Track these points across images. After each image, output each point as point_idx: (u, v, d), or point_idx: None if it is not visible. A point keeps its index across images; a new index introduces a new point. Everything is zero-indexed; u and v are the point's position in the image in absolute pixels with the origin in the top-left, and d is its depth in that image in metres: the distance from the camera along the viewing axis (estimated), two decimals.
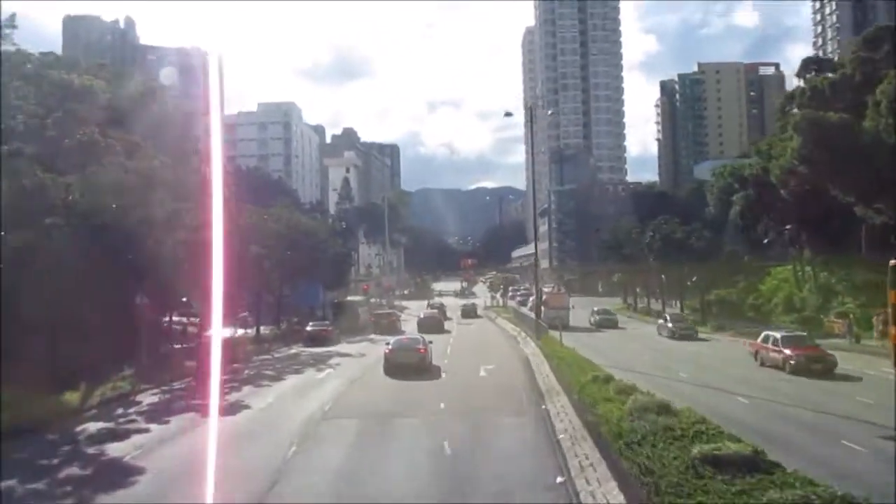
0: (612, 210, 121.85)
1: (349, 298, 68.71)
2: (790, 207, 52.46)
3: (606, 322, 57.46)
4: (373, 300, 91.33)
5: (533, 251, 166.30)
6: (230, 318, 57.50)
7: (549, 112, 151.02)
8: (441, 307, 75.78)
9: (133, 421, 21.13)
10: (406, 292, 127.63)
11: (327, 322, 55.64)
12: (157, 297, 33.83)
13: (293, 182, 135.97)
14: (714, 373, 31.17)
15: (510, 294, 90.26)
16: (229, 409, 22.20)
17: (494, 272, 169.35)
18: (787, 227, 54.05)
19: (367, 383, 28.61)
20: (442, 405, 22.32)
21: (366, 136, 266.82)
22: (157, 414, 21.95)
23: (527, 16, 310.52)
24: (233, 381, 28.89)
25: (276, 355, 42.20)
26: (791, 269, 61.49)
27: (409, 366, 30.24)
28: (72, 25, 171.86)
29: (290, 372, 33.03)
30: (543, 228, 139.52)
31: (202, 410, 22.15)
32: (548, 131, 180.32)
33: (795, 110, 57.61)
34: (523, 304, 69.23)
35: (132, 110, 44.94)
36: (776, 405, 22.78)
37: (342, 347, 45.96)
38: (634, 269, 69.37)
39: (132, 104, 46.32)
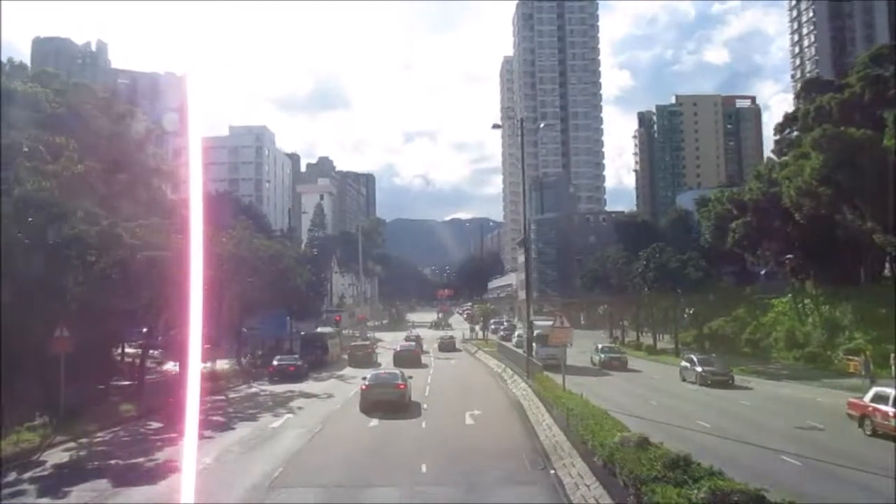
0: (593, 240, 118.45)
1: (319, 330, 63.78)
2: (794, 235, 49.02)
3: (614, 362, 49.02)
4: (345, 331, 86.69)
5: (510, 282, 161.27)
6: (188, 351, 52.84)
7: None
8: (418, 339, 71.38)
9: (22, 492, 16.26)
10: (380, 323, 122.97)
11: (295, 356, 50.71)
12: (89, 328, 28.91)
13: (265, 208, 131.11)
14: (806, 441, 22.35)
15: (492, 327, 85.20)
16: (152, 474, 17.48)
17: (470, 303, 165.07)
18: (788, 256, 50.48)
19: (331, 434, 23.86)
20: (424, 468, 17.73)
21: (342, 166, 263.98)
22: (59, 481, 17.09)
23: (505, 45, 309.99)
24: (171, 430, 24.12)
25: (232, 395, 37.19)
26: (789, 302, 57.91)
27: (387, 403, 27.93)
28: (41, 47, 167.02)
29: (242, 418, 28.21)
30: (522, 258, 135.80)
31: (118, 476, 17.44)
32: (527, 160, 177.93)
33: (795, 133, 54.67)
34: (507, 338, 64.63)
35: (81, 121, 40.63)
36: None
37: (308, 385, 41.18)
38: (623, 299, 65.45)
39: (82, 116, 41.97)
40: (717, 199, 54.43)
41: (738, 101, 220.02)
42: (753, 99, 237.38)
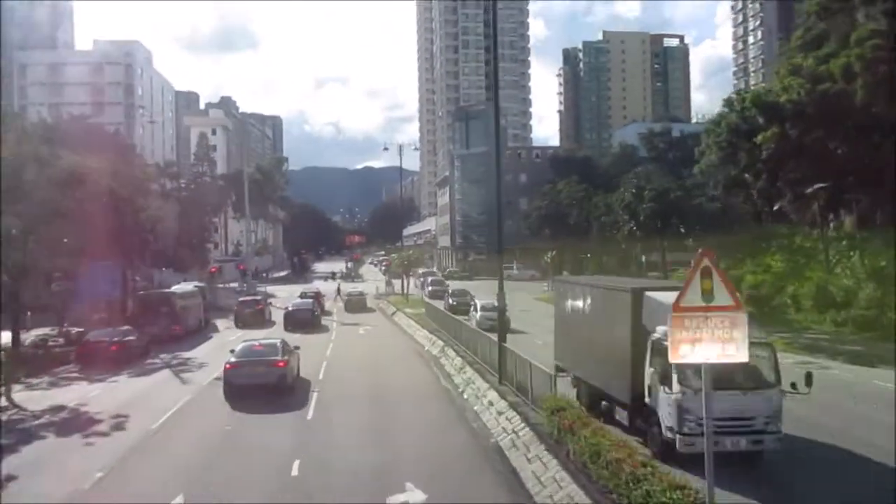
0: (525, 179, 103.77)
1: (178, 287, 46.15)
2: (839, 155, 34.80)
3: None
4: (233, 285, 69.67)
5: (429, 228, 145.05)
6: None
7: None
8: (317, 295, 54.99)
9: None
10: (282, 275, 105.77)
11: (125, 329, 32.94)
12: None
13: (139, 139, 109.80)
14: None
15: (429, 288, 61.16)
16: None
17: (383, 252, 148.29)
18: (820, 185, 36.10)
19: None
20: None
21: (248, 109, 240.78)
22: None
23: None
24: None
25: None
26: (801, 246, 43.75)
27: (260, 387, 20.47)
28: None
29: None
30: (445, 199, 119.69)
31: None
32: (446, 94, 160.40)
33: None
34: (458, 309, 42.29)
35: None
36: None
37: (113, 387, 24.18)
38: (582, 242, 50.54)
39: None
40: (734, 106, 38.94)
41: (665, 39, 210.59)
42: (682, 38, 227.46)
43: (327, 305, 56.91)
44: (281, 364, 21.27)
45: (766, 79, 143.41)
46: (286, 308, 45.78)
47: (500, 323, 20.04)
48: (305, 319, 42.13)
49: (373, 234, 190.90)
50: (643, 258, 59.71)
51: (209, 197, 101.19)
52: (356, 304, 54.90)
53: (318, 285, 71.94)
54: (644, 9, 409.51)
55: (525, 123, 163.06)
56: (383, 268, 76.10)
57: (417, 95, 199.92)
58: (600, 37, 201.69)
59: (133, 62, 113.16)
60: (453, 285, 60.07)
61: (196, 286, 46.87)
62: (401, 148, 56.65)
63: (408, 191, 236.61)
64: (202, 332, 42.09)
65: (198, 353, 33.47)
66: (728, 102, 39.55)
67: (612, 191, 55.78)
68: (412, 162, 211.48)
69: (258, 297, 51.63)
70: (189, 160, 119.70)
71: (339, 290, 65.46)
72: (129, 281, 48.77)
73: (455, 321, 29.61)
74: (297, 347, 23.97)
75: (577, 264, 61.30)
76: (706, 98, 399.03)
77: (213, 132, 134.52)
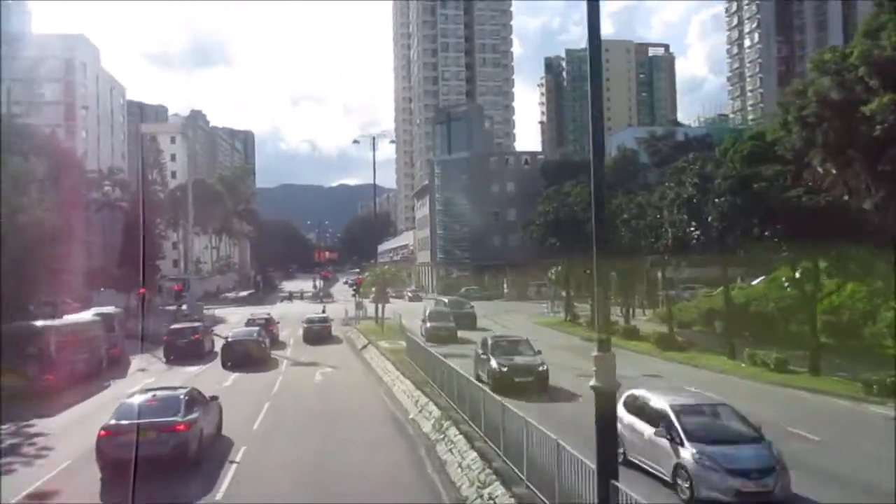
0: (512, 188, 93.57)
1: (72, 317, 34.86)
2: None
3: None
4: (180, 308, 58.65)
5: (406, 242, 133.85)
6: None
7: None
8: (268, 321, 43.89)
9: None
10: (244, 295, 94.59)
11: None
12: None
13: (82, 143, 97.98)
14: None
15: (429, 320, 43.65)
16: None
17: (358, 270, 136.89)
18: None
19: None
20: None
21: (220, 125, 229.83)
22: None
23: None
24: None
25: None
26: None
27: (151, 461, 14.07)
28: None
29: None
30: (424, 210, 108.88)
31: None
32: (424, 100, 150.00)
33: None
34: (510, 374, 23.21)
35: None
36: None
37: None
38: (610, 255, 39.97)
39: None
40: (828, 68, 28.11)
41: (651, 48, 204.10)
42: (667, 47, 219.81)
43: (283, 335, 46.04)
44: (180, 428, 15.48)
45: (764, 83, 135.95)
46: (226, 338, 35.79)
47: (600, 408, 8.77)
48: (247, 354, 33.58)
49: (347, 251, 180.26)
50: (659, 273, 49.76)
51: (161, 208, 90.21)
52: (317, 334, 43.78)
53: (276, 308, 60.82)
54: (617, 29, 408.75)
55: (508, 132, 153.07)
56: (355, 288, 64.60)
57: (394, 105, 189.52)
58: (583, 45, 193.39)
59: (75, 57, 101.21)
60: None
61: (99, 313, 35.41)
62: (374, 140, 47.29)
63: (383, 207, 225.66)
64: (101, 376, 30.80)
65: (66, 417, 22.31)
66: (817, 65, 29.17)
67: (626, 194, 45.87)
68: (388, 178, 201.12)
69: (196, 325, 41.13)
70: (144, 165, 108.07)
71: (324, 313, 54.51)
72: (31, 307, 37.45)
73: (463, 379, 17.85)
74: (214, 398, 18.28)
75: (584, 280, 50.92)
76: (682, 115, 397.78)
77: (172, 140, 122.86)
